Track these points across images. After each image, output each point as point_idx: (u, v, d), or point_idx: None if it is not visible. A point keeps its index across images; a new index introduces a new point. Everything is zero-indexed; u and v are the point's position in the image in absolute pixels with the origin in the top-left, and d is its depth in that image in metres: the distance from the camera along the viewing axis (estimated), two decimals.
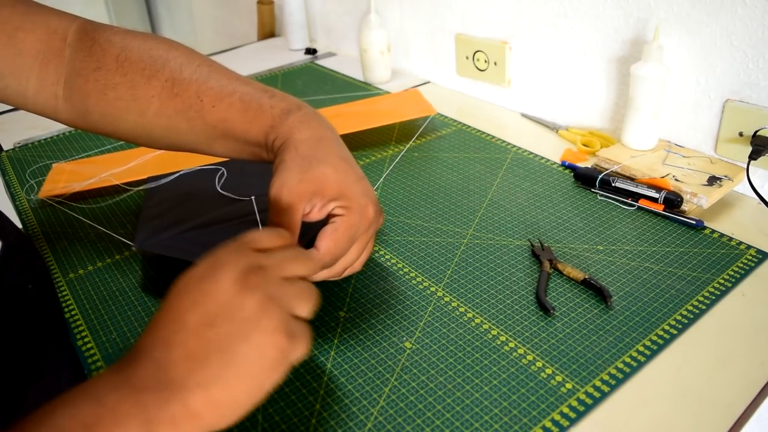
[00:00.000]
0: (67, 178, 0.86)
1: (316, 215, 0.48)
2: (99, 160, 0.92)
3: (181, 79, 0.51)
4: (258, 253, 0.36)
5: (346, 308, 0.59)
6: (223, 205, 0.72)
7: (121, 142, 0.96)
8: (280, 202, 0.46)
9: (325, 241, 0.47)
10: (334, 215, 0.48)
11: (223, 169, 0.81)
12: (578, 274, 0.61)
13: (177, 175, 0.81)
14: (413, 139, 0.93)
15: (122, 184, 0.82)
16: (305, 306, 0.36)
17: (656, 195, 0.71)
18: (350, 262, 0.50)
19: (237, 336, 0.32)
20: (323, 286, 0.62)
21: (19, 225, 0.78)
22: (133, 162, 0.87)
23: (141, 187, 0.81)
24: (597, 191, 0.76)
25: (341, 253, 0.48)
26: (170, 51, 0.53)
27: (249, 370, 0.32)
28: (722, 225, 0.69)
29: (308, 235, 0.48)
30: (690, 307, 0.57)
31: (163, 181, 0.80)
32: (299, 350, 0.34)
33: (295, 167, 0.47)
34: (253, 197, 0.72)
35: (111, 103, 0.52)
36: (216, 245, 0.37)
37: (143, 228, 0.67)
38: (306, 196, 0.46)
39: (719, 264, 0.63)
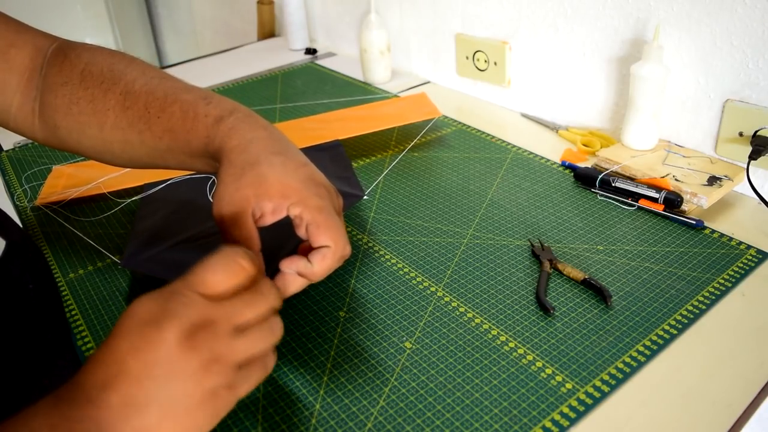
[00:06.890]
0: (66, 182, 0.84)
1: (270, 218, 0.45)
2: (99, 163, 0.91)
3: (133, 91, 0.51)
4: (208, 303, 0.35)
5: (346, 308, 0.59)
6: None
7: None
8: (224, 220, 0.44)
9: (318, 263, 0.44)
10: (295, 216, 0.45)
11: (214, 177, 0.80)
12: (578, 274, 0.61)
13: (168, 183, 0.79)
14: (414, 139, 0.93)
15: (110, 193, 0.80)
16: (262, 347, 0.36)
17: (656, 195, 0.71)
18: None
19: (177, 391, 0.32)
20: (323, 286, 0.62)
21: (19, 225, 0.78)
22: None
23: (135, 197, 0.79)
24: (597, 191, 0.76)
25: (340, 254, 0.45)
26: (129, 65, 0.52)
27: (186, 421, 0.33)
28: (722, 225, 0.69)
29: (275, 239, 0.45)
30: (690, 307, 0.57)
31: (155, 189, 0.78)
32: (243, 393, 0.36)
33: (228, 179, 0.45)
34: None
35: (75, 117, 0.52)
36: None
37: (132, 243, 0.66)
38: (248, 202, 0.44)
39: (719, 264, 0.63)
